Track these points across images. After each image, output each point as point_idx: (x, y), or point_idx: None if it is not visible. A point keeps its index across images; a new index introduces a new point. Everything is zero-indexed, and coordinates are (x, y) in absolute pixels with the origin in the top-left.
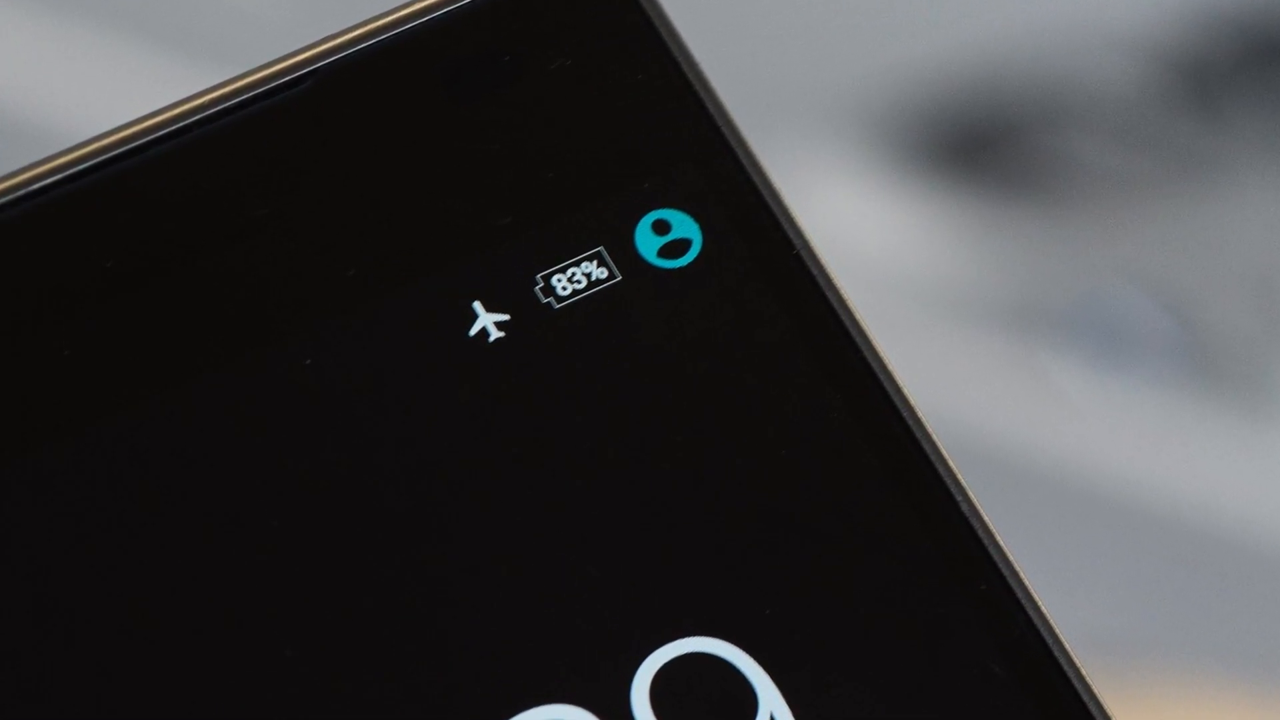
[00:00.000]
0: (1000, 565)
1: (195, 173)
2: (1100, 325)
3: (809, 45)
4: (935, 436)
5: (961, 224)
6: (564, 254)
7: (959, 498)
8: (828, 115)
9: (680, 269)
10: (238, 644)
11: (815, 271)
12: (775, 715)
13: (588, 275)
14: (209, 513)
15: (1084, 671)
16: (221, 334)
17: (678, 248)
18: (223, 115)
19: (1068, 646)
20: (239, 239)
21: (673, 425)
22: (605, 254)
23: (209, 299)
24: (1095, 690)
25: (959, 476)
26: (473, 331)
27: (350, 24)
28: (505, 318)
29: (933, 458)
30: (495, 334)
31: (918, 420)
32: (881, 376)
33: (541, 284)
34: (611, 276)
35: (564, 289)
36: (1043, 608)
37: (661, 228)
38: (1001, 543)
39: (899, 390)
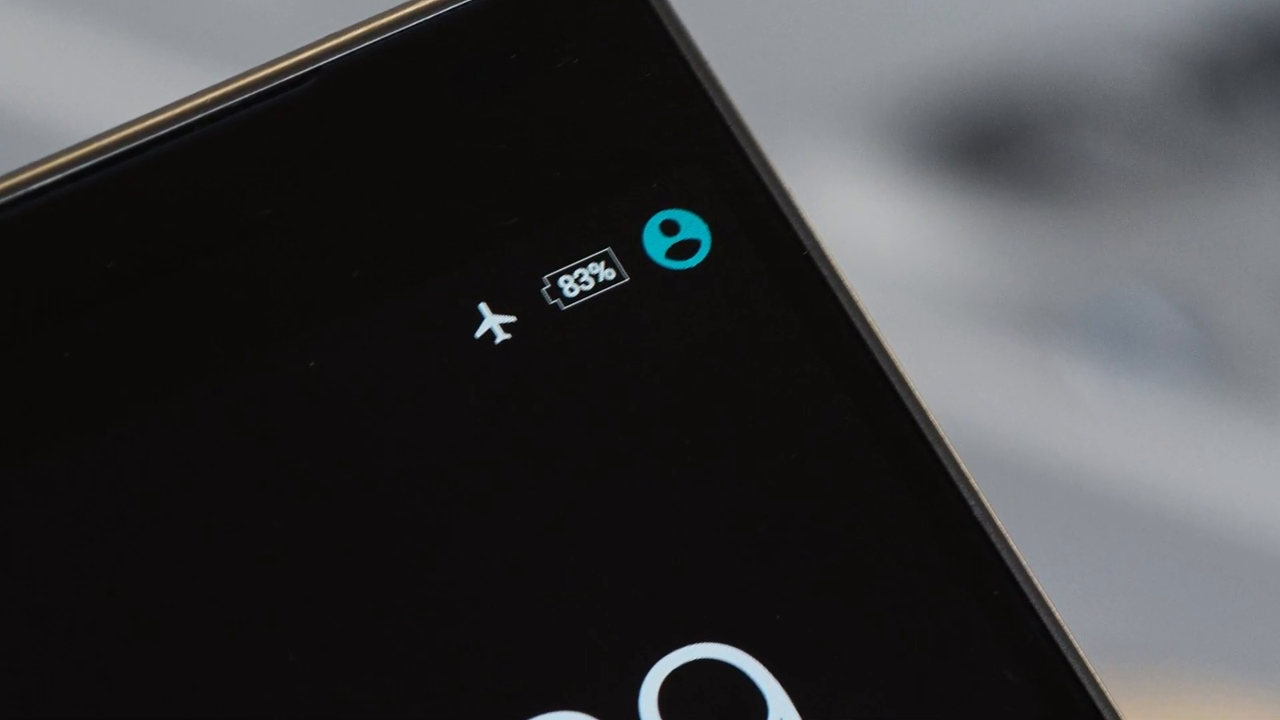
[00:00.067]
0: (1013, 570)
1: (197, 172)
2: (1115, 327)
3: (819, 43)
4: (947, 439)
5: (974, 224)
6: (571, 255)
7: (971, 501)
8: (838, 114)
9: (689, 270)
10: (239, 649)
11: (825, 272)
12: None
13: (595, 276)
14: (212, 516)
15: (1098, 678)
16: (224, 336)
17: (686, 248)
18: (225, 114)
19: (1082, 652)
20: (241, 239)
21: (681, 428)
22: (613, 255)
23: (211, 300)
24: (1110, 697)
25: (971, 480)
26: (478, 333)
27: (354, 22)
28: (511, 319)
29: (945, 461)
30: (501, 336)
31: (929, 423)
32: (893, 379)
33: (548, 285)
34: (619, 277)
35: (571, 290)
36: (1056, 613)
37: (670, 228)
38: (1015, 547)
39: (910, 393)
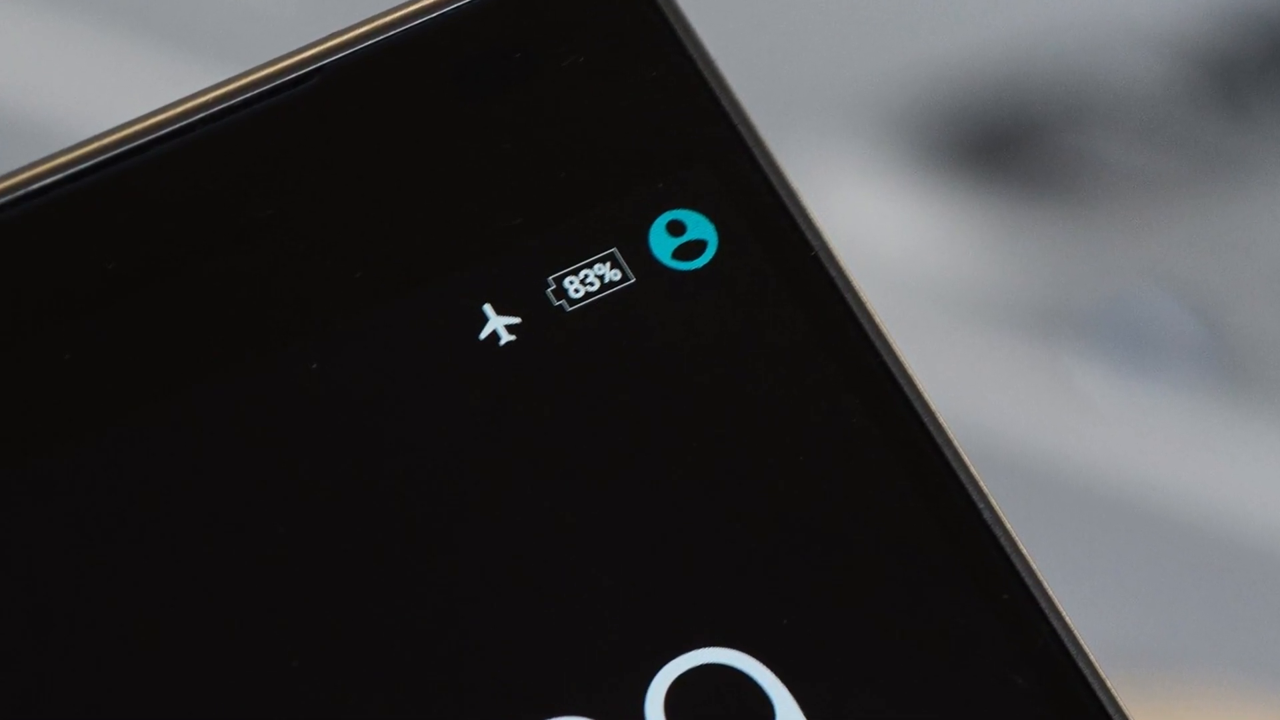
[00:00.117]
0: (1023, 574)
1: (198, 172)
2: (1126, 328)
3: (828, 41)
4: (957, 443)
5: (983, 225)
6: (576, 255)
7: (981, 505)
8: (847, 113)
9: (695, 271)
10: (241, 652)
11: (833, 273)
12: None
13: (601, 277)
14: (214, 519)
15: (1109, 683)
16: (225, 337)
17: (693, 249)
18: (227, 114)
19: (1092, 658)
20: (243, 240)
21: (687, 431)
22: (619, 255)
23: (212, 301)
24: (1121, 703)
25: (981, 483)
26: (483, 335)
27: (357, 20)
28: (516, 320)
29: (954, 464)
30: (506, 337)
31: (939, 426)
32: (901, 381)
33: (553, 286)
34: (625, 278)
35: (576, 291)
36: (1067, 618)
37: (676, 229)
38: (1024, 551)
39: (919, 395)
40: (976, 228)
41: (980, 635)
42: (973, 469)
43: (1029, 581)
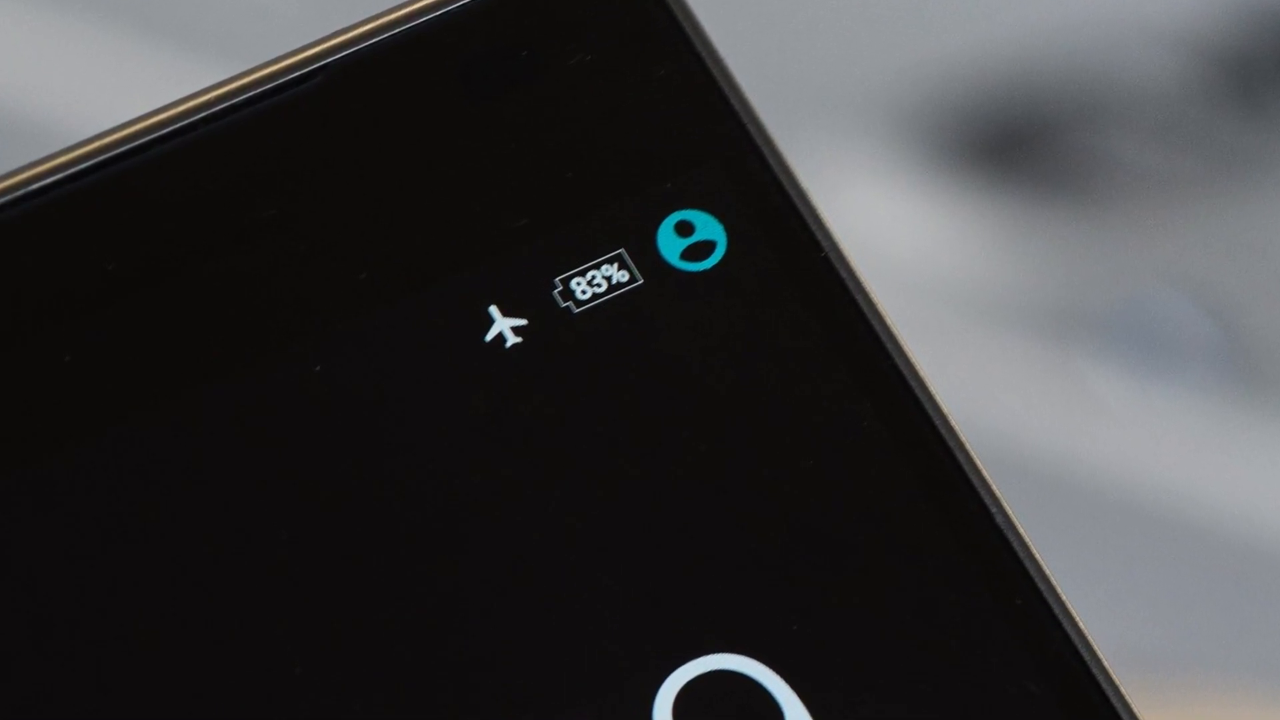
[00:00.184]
0: (1036, 579)
1: (200, 172)
2: (1140, 330)
3: (838, 39)
4: (969, 446)
5: (996, 225)
6: (583, 256)
7: (993, 509)
8: (857, 112)
9: (704, 272)
10: (244, 658)
11: (844, 274)
12: None
13: (608, 278)
14: (216, 523)
15: (1123, 689)
16: (227, 339)
17: (701, 250)
18: (229, 113)
19: (1106, 663)
20: (245, 241)
21: (696, 434)
22: (626, 256)
23: (213, 303)
24: (1135, 709)
25: (993, 487)
26: (489, 337)
27: (362, 18)
28: (522, 322)
29: (966, 468)
30: (512, 339)
31: (950, 429)
32: (913, 383)
33: (560, 287)
34: (633, 280)
35: (583, 292)
36: (1080, 623)
37: (685, 229)
38: (1037, 556)
39: (931, 398)
40: (989, 228)
41: (993, 641)
42: (985, 472)
43: (1042, 586)
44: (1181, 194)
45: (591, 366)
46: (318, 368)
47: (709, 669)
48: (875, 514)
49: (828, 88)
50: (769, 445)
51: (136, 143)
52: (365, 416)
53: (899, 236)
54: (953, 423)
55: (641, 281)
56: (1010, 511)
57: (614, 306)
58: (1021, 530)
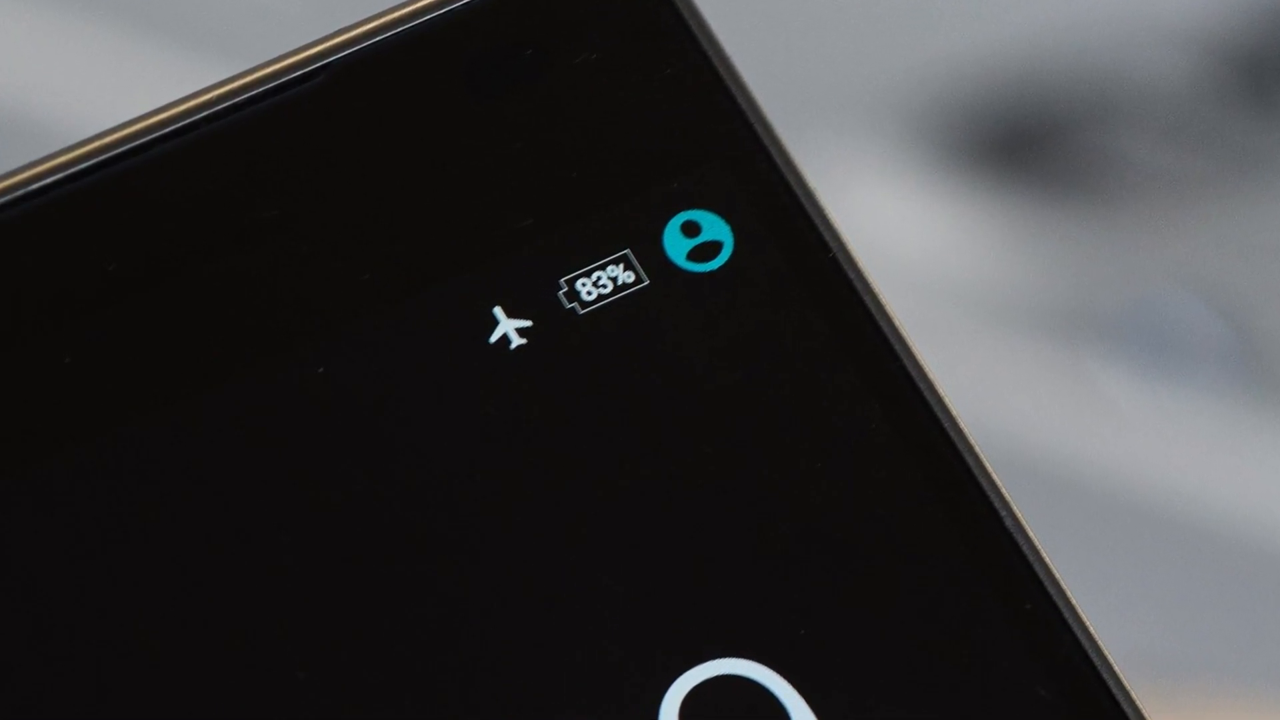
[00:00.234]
0: (1046, 583)
1: (202, 172)
2: (1151, 331)
3: (846, 38)
4: (978, 448)
5: (1005, 226)
6: (589, 257)
7: (1003, 512)
8: (866, 111)
9: (711, 273)
10: (247, 663)
11: (852, 275)
12: None
13: (614, 279)
14: (218, 527)
15: (1134, 695)
16: (229, 341)
17: (708, 250)
18: (232, 112)
19: (1116, 668)
20: (248, 241)
21: (702, 437)
22: (632, 257)
23: (216, 304)
24: (1146, 714)
25: (1002, 490)
26: (493, 338)
27: (365, 16)
28: (527, 324)
29: (975, 470)
30: (517, 341)
31: (959, 431)
32: (921, 385)
33: (565, 288)
34: (639, 280)
35: (589, 293)
36: (1090, 627)
37: (691, 229)
38: (1047, 559)
39: (940, 400)
40: (998, 228)
41: (1002, 645)
42: (994, 474)
43: (1051, 590)
44: (1193, 194)
45: (597, 368)
46: (321, 369)
47: (716, 674)
48: (883, 517)
49: (835, 86)
50: (776, 448)
51: (138, 142)
52: (369, 419)
53: (907, 237)
54: (961, 425)
55: (647, 282)
56: (1020, 514)
57: (620, 308)
58: (1031, 533)
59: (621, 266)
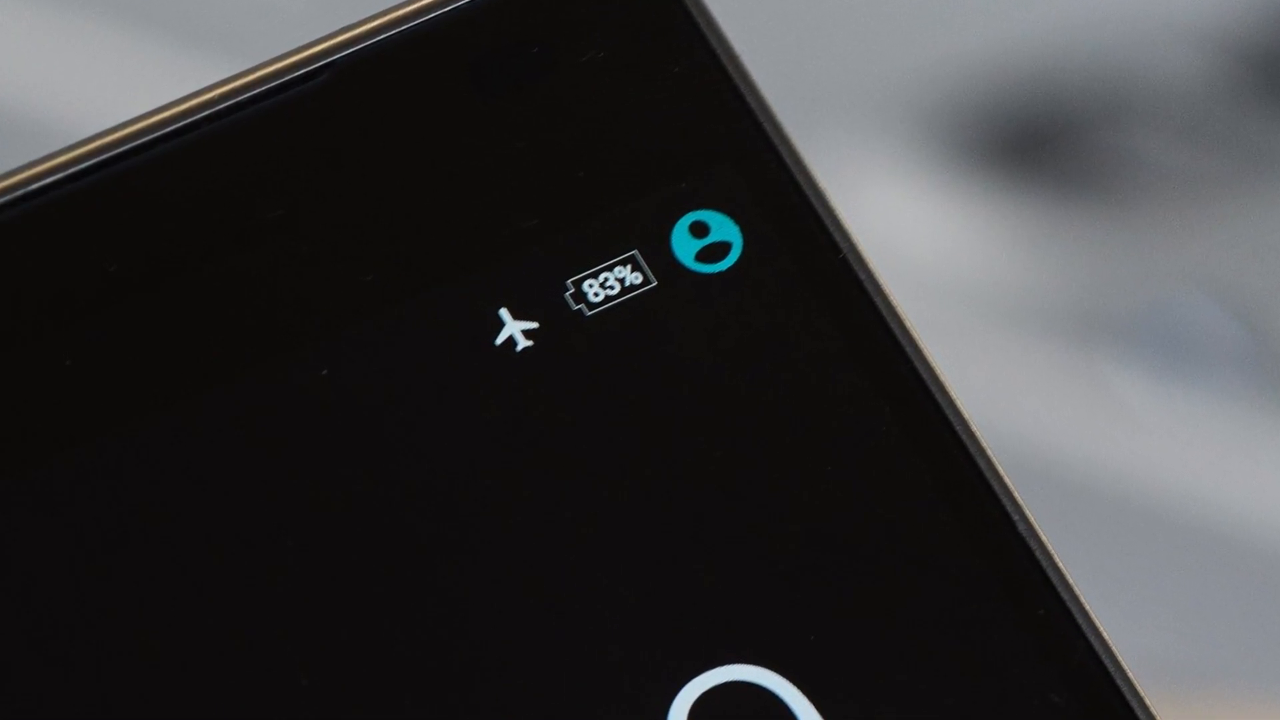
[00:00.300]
0: (1058, 587)
1: (205, 172)
2: (1166, 333)
3: (857, 36)
4: (990, 451)
5: (1018, 226)
6: (596, 258)
7: (1015, 516)
8: (876, 110)
9: (719, 273)
10: (249, 669)
11: (862, 276)
12: None
13: (621, 280)
14: (220, 530)
15: (1148, 700)
16: (232, 342)
17: (717, 251)
18: (234, 110)
19: (1130, 674)
20: (250, 242)
21: (711, 440)
22: (640, 258)
23: (217, 305)
24: None
25: (1015, 494)
26: (499, 340)
27: (370, 14)
28: (533, 325)
29: (987, 474)
30: (523, 343)
31: (971, 434)
32: (933, 388)
33: (572, 290)
34: (646, 282)
35: (596, 295)
36: (1104, 633)
37: (700, 230)
38: (1060, 564)
39: (951, 402)
40: (1010, 229)
41: (1014, 651)
42: (1006, 479)
43: (1064, 595)
44: (1208, 194)
45: (604, 371)
46: (325, 371)
47: (725, 680)
48: (894, 521)
49: (846, 85)
50: (785, 451)
51: (139, 141)
52: (373, 421)
53: (919, 237)
54: (973, 428)
55: (655, 283)
56: (1032, 518)
57: (627, 309)
58: (1044, 537)
59: (629, 267)
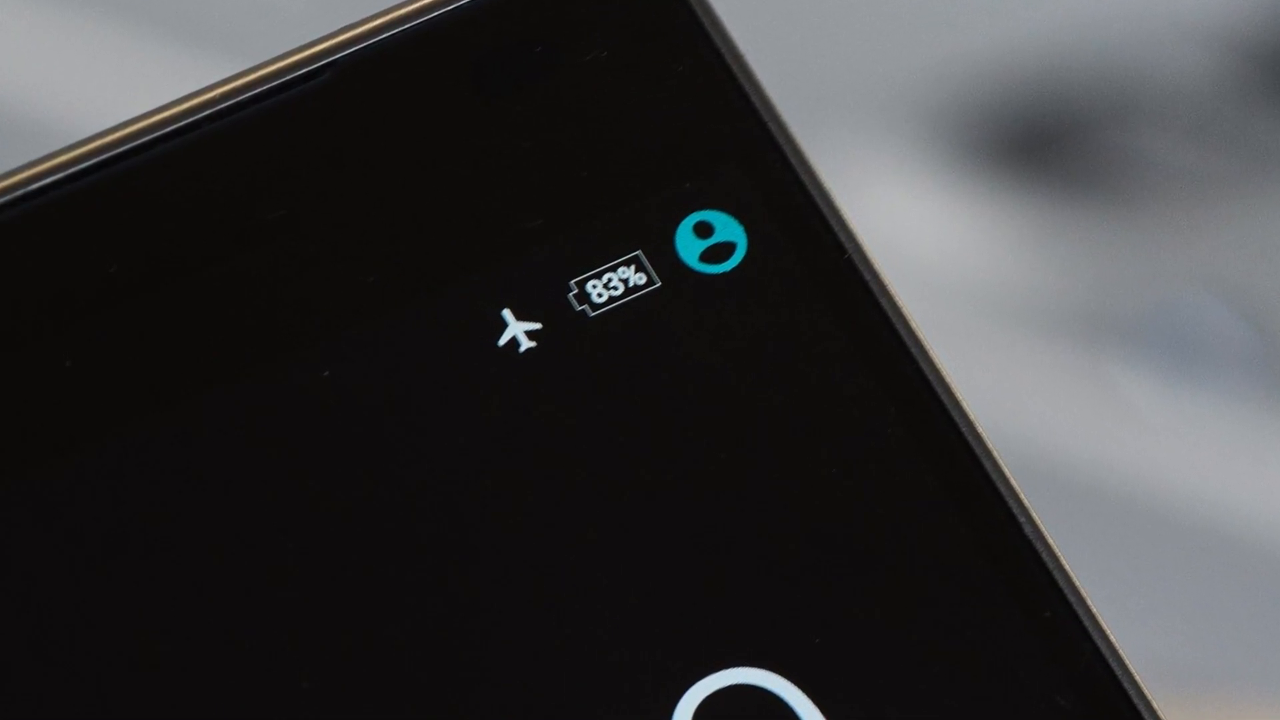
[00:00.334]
0: (1065, 590)
1: (206, 172)
2: (1173, 334)
3: (862, 36)
4: (996, 453)
5: (1024, 226)
6: (600, 258)
7: (1021, 519)
8: (882, 110)
9: (724, 274)
10: (251, 671)
11: (868, 277)
12: None
13: (625, 281)
14: (221, 532)
15: (1155, 704)
16: (233, 343)
17: (721, 251)
18: (235, 110)
19: (1137, 677)
20: (251, 242)
21: (715, 442)
22: (644, 258)
23: (219, 306)
24: None
25: (1021, 496)
26: (502, 341)
27: (372, 13)
28: (537, 326)
29: (993, 476)
30: (526, 344)
31: (977, 436)
32: (939, 389)
33: (576, 290)
34: (650, 282)
35: (599, 296)
36: (1111, 636)
37: (704, 230)
38: (1067, 567)
39: (957, 404)
40: (1017, 229)
41: (1021, 654)
42: (1013, 481)
43: (1071, 598)
44: (1215, 194)
45: (608, 372)
46: (327, 372)
47: (729, 683)
48: (899, 523)
49: (851, 85)
50: (790, 453)
51: (139, 141)
52: (376, 423)
53: (924, 238)
54: (979, 429)
55: (659, 284)
56: (1038, 520)
57: (631, 310)
58: (1050, 540)
59: (633, 268)
